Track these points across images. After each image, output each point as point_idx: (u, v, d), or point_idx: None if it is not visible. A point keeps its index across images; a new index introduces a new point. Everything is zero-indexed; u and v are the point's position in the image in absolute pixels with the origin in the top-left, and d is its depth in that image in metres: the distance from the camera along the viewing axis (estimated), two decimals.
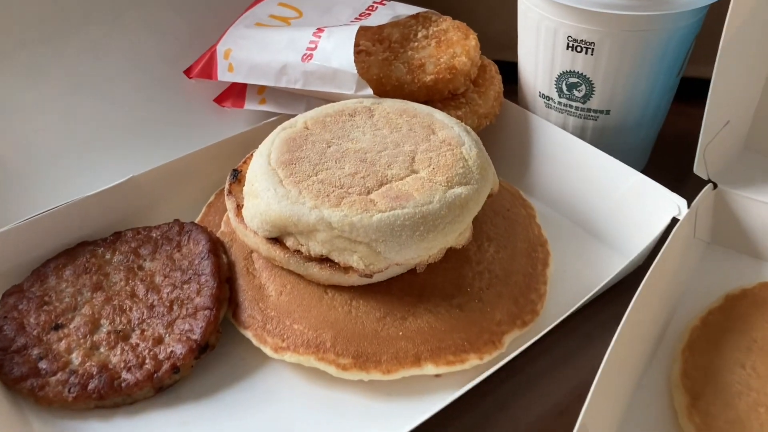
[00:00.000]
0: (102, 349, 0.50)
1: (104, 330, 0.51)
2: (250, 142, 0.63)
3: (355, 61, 0.58)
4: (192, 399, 0.50)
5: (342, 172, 0.49)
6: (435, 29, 0.66)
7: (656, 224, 0.55)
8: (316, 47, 0.60)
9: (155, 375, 0.48)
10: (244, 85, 0.69)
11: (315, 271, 0.49)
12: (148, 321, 0.51)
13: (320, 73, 0.59)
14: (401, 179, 0.49)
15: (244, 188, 0.52)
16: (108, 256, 0.56)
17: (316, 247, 0.48)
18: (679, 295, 0.55)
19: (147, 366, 0.49)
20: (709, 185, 0.57)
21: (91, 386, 0.48)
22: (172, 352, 0.49)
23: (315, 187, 0.48)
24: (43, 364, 0.49)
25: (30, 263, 0.56)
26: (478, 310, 0.51)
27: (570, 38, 0.58)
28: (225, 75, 0.66)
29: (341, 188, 0.48)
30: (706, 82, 0.53)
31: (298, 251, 0.49)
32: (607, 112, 0.62)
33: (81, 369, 0.49)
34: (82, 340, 0.50)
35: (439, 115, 0.55)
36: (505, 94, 0.67)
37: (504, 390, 0.50)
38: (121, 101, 0.69)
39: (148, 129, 0.69)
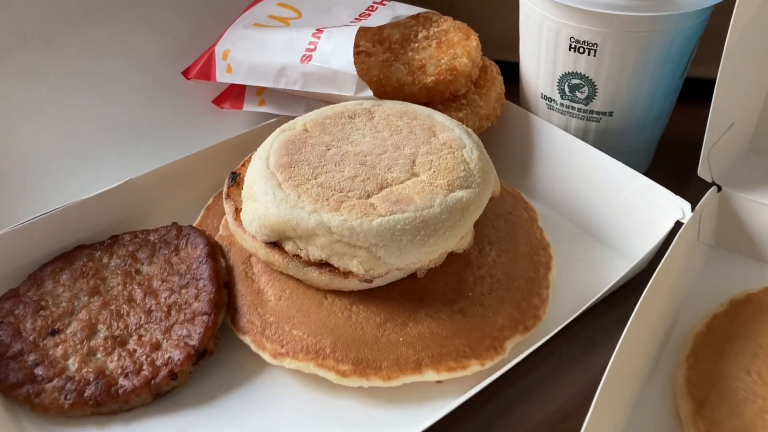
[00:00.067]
0: (99, 355, 0.49)
1: (101, 335, 0.50)
2: (249, 144, 0.62)
3: (354, 63, 0.57)
4: (190, 406, 0.49)
5: (341, 176, 0.49)
6: (436, 30, 0.65)
7: (660, 228, 0.54)
8: (315, 48, 0.60)
9: (153, 381, 0.48)
10: (243, 86, 0.68)
11: (314, 275, 0.48)
12: (146, 326, 0.51)
13: (320, 74, 0.59)
14: (401, 183, 0.48)
15: (243, 192, 0.52)
16: (105, 260, 0.56)
17: (315, 252, 0.47)
18: (683, 300, 0.55)
19: (144, 372, 0.48)
20: (714, 188, 0.56)
21: (87, 393, 0.47)
22: (169, 358, 0.48)
23: (314, 191, 0.47)
24: (39, 371, 0.48)
25: (27, 267, 0.56)
26: (479, 315, 0.50)
27: (572, 39, 0.57)
28: (223, 76, 0.65)
29: (341, 192, 0.47)
30: (709, 82, 0.53)
31: (297, 256, 0.48)
32: (610, 113, 0.61)
33: (78, 375, 0.48)
34: (78, 346, 0.50)
35: (439, 117, 0.55)
36: (506, 95, 0.66)
37: (506, 396, 0.50)
38: (119, 102, 0.68)
39: (145, 130, 0.69)
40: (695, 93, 0.65)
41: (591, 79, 0.59)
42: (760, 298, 0.52)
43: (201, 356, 0.49)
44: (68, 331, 0.51)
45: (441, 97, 0.61)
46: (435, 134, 0.53)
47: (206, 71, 0.67)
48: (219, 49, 0.66)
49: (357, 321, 0.49)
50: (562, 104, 0.63)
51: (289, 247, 0.48)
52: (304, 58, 0.59)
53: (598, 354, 0.51)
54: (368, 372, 0.47)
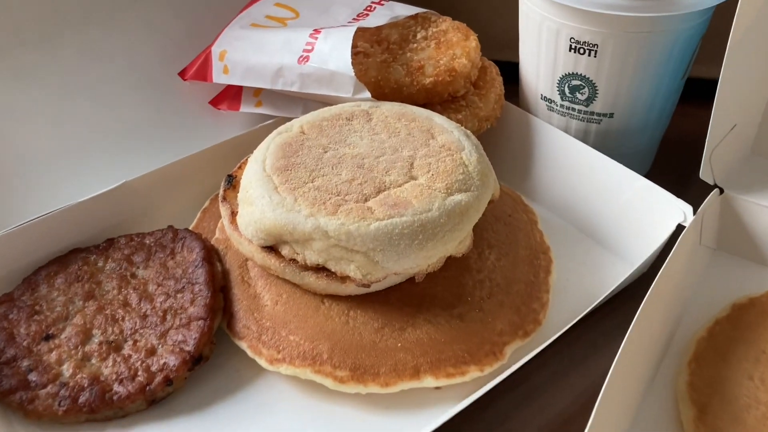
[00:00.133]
0: (93, 361, 0.49)
1: (96, 340, 0.50)
2: (245, 146, 0.61)
3: (352, 63, 0.56)
4: (185, 412, 0.48)
5: (339, 179, 0.48)
6: (434, 30, 0.64)
7: (661, 231, 0.54)
8: (312, 49, 0.59)
9: (148, 387, 0.47)
10: (240, 88, 0.67)
11: (311, 280, 0.48)
12: (141, 331, 0.50)
13: (317, 75, 0.58)
14: (399, 186, 0.48)
15: (239, 195, 0.51)
16: (100, 264, 0.55)
17: (312, 256, 0.47)
18: (684, 304, 0.54)
19: (139, 378, 0.47)
20: (716, 191, 0.56)
21: (82, 399, 0.47)
22: (165, 363, 0.48)
23: (311, 195, 0.47)
24: (32, 377, 0.48)
25: (21, 271, 0.55)
26: (478, 320, 0.49)
27: (572, 40, 0.57)
28: (220, 77, 0.65)
29: (338, 195, 0.47)
30: (711, 83, 0.52)
31: (294, 260, 0.48)
32: (611, 115, 0.61)
33: (72, 381, 0.47)
34: (73, 351, 0.49)
35: (438, 119, 0.54)
36: (506, 95, 0.66)
37: (505, 402, 0.49)
38: (114, 104, 0.68)
39: (141, 132, 0.68)
40: (697, 93, 0.64)
41: (591, 80, 0.59)
42: (762, 302, 0.52)
43: (197, 362, 0.48)
44: (62, 336, 0.50)
45: (440, 99, 0.60)
46: (434, 136, 0.52)
47: (203, 72, 0.66)
48: (216, 50, 0.65)
49: (354, 326, 0.49)
50: (562, 105, 0.62)
51: (285, 251, 0.48)
52: (301, 59, 0.59)
53: (600, 358, 0.51)
54: (366, 378, 0.46)
